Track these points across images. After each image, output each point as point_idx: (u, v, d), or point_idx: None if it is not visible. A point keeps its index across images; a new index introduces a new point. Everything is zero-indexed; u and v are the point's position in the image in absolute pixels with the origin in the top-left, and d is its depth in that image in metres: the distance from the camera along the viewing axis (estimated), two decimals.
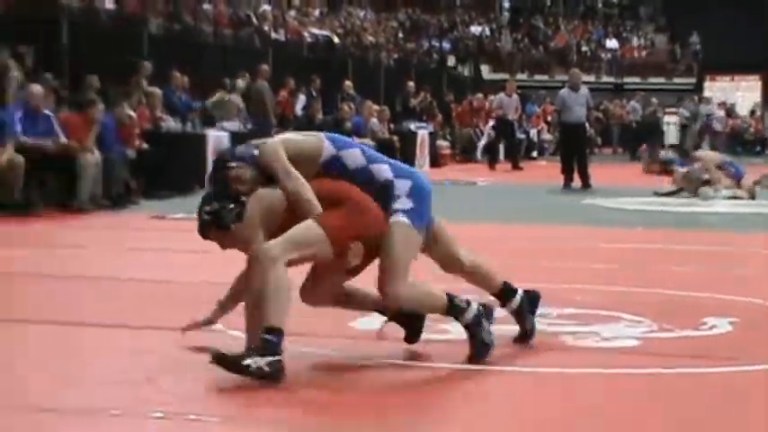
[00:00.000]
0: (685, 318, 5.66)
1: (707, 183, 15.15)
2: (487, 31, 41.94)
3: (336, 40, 26.43)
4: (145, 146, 13.66)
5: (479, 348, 4.52)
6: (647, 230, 10.73)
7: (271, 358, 4.07)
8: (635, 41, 43.59)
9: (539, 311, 5.01)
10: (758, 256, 8.83)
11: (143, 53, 17.20)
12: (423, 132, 23.11)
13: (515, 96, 23.68)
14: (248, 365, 4.04)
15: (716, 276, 7.57)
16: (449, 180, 18.22)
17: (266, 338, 4.10)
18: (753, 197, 14.86)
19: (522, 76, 37.30)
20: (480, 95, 28.17)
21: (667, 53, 42.30)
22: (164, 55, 17.09)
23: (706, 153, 17.76)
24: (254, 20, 22.68)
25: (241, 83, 17.60)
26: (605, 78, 40.15)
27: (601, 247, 9.33)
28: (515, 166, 23.14)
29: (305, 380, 4.32)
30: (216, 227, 4.37)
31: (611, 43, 42.41)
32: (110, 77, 14.69)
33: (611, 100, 36.63)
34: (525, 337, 4.92)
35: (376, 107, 21.91)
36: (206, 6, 21.20)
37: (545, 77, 39.36)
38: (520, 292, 4.90)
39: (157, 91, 15.17)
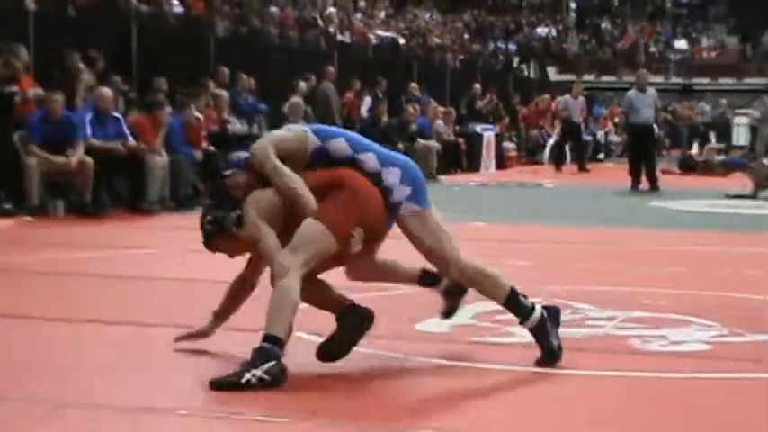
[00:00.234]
0: (757, 322, 5.57)
1: None
2: (554, 33, 41.68)
3: (402, 41, 26.45)
4: (211, 148, 13.77)
5: (547, 355, 4.47)
6: (717, 233, 10.58)
7: (268, 364, 4.05)
8: (704, 42, 43.04)
9: (604, 314, 4.95)
10: None
11: (210, 56, 17.36)
12: (489, 134, 23.02)
13: (581, 98, 23.51)
14: (247, 380, 4.03)
15: None
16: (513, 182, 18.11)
17: (263, 346, 4.10)
18: None
19: (588, 78, 37.00)
20: (547, 97, 28.00)
21: (738, 53, 41.69)
22: (230, 57, 17.23)
23: None
24: (320, 22, 22.77)
25: (303, 85, 17.67)
26: (674, 79, 39.68)
27: (669, 249, 9.22)
28: (582, 168, 22.97)
29: (364, 381, 4.32)
30: (219, 234, 4.39)
31: (680, 44, 41.91)
32: (177, 80, 14.85)
33: (679, 101, 36.21)
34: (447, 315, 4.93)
35: (441, 109, 21.88)
36: (272, 9, 21.33)
37: (612, 79, 38.99)
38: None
39: (224, 93, 15.30)
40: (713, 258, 8.69)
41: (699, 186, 17.72)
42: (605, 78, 39.31)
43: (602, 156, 29.13)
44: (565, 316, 4.88)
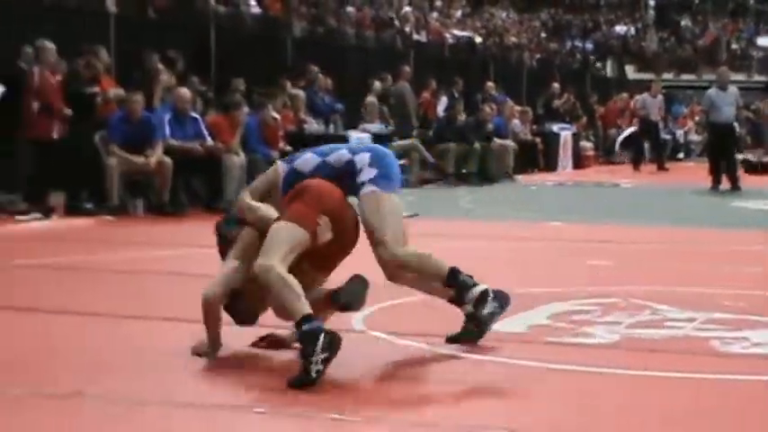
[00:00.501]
0: None
1: None
2: (632, 31, 41.21)
3: (478, 40, 26.36)
4: (288, 147, 13.83)
5: (478, 328, 4.39)
6: None
7: (319, 344, 4.06)
8: None
9: (684, 315, 4.87)
10: None
11: (287, 56, 17.48)
12: (566, 134, 22.86)
13: (660, 97, 23.25)
14: (316, 372, 4.05)
15: None
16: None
17: (304, 331, 4.13)
18: None
19: (668, 76, 36.51)
20: (625, 96, 27.72)
21: None
22: (307, 57, 17.31)
23: None
24: (397, 22, 22.79)
25: (378, 84, 17.68)
26: (756, 77, 38.97)
27: (750, 250, 9.05)
28: (660, 168, 22.69)
29: (435, 382, 4.31)
30: (223, 243, 4.68)
31: (763, 41, 41.12)
32: (255, 80, 14.96)
33: (762, 99, 35.55)
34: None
35: (518, 108, 21.76)
36: (349, 9, 21.40)
37: (692, 77, 38.41)
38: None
39: (301, 93, 15.38)
40: None
41: None
42: (685, 77, 38.74)
43: (681, 155, 28.76)
44: (643, 317, 4.82)
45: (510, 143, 19.57)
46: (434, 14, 26.45)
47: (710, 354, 4.84)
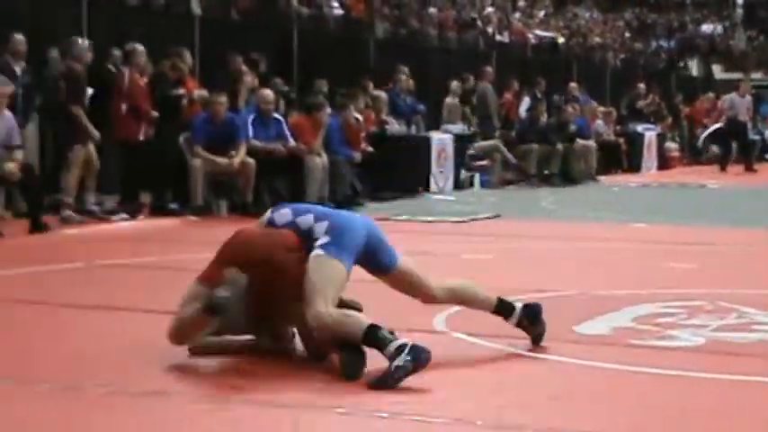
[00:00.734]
0: None
1: None
2: (720, 29, 40.57)
3: (561, 40, 26.17)
4: (370, 149, 13.88)
5: (390, 374, 4.25)
6: None
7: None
8: None
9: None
10: None
11: (369, 57, 17.53)
12: (650, 134, 22.58)
13: (748, 97, 22.83)
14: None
15: None
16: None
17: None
18: None
19: (756, 76, 35.85)
20: (711, 95, 27.29)
21: None
22: (389, 59, 17.35)
23: None
24: (479, 22, 22.73)
25: (456, 85, 17.63)
26: None
27: None
28: (748, 168, 22.28)
29: (516, 385, 4.29)
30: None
31: None
32: (337, 81, 15.03)
33: None
34: (535, 342, 4.89)
35: (602, 108, 21.56)
36: (431, 10, 21.40)
37: None
38: (519, 306, 4.89)
39: (383, 94, 15.41)
40: None
41: None
42: None
43: None
44: (730, 320, 4.74)
45: (592, 144, 19.39)
46: (517, 15, 26.33)
47: None
